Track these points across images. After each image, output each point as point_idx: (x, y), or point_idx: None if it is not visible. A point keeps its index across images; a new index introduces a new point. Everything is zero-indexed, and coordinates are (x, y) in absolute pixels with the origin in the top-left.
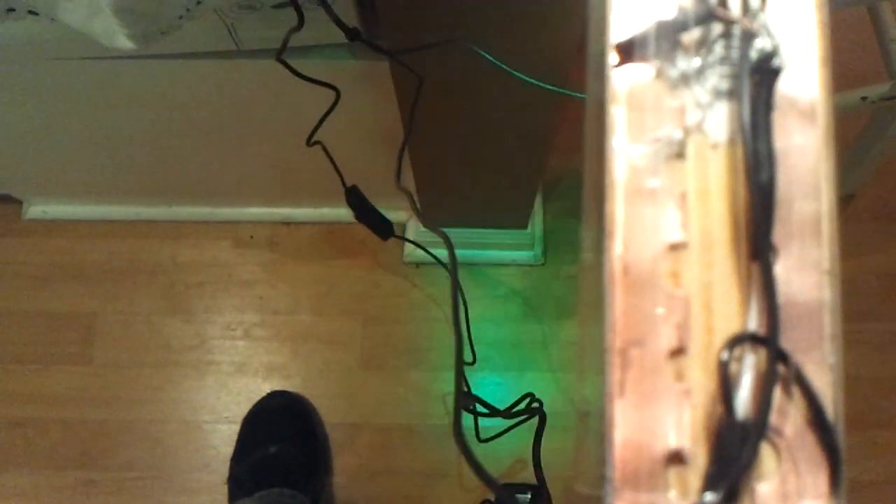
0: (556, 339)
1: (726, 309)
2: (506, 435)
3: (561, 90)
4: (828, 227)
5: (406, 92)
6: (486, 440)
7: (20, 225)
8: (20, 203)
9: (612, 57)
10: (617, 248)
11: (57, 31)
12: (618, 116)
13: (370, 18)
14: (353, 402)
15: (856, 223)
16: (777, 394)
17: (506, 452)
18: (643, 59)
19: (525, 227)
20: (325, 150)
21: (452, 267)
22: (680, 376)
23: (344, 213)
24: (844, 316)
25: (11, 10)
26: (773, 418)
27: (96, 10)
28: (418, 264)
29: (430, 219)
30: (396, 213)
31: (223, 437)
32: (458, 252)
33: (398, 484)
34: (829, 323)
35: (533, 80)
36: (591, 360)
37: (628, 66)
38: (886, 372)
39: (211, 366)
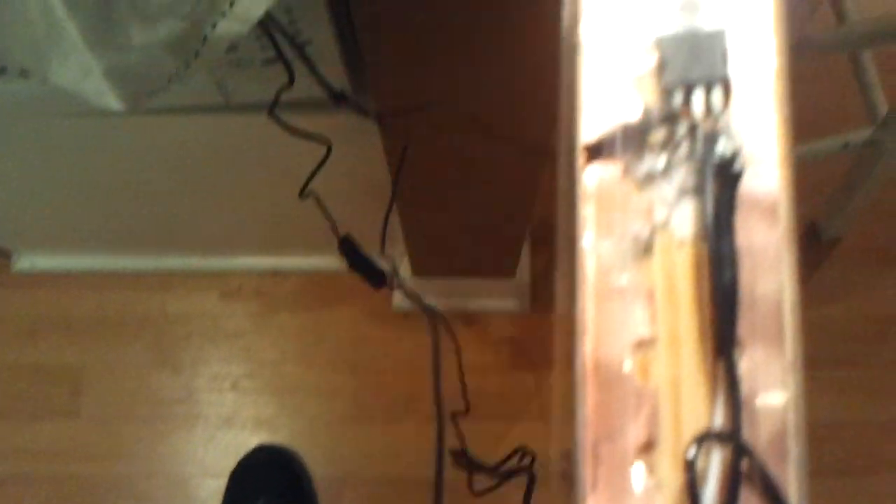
0: (547, 385)
1: (694, 404)
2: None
3: (543, 154)
4: (790, 321)
5: (393, 151)
6: (480, 493)
7: (8, 277)
8: (8, 255)
9: (582, 157)
10: (588, 345)
11: (47, 89)
12: (587, 215)
13: (359, 78)
14: (341, 455)
15: (842, 267)
16: (743, 489)
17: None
18: (611, 158)
19: (513, 275)
20: (318, 201)
21: (434, 337)
22: (650, 471)
23: (332, 262)
24: (833, 362)
25: (3, 70)
26: None
27: (87, 72)
28: (407, 313)
29: (420, 269)
30: (385, 261)
31: (210, 491)
32: (448, 300)
33: None
34: (792, 418)
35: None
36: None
37: (597, 165)
38: (879, 417)
39: (199, 419)
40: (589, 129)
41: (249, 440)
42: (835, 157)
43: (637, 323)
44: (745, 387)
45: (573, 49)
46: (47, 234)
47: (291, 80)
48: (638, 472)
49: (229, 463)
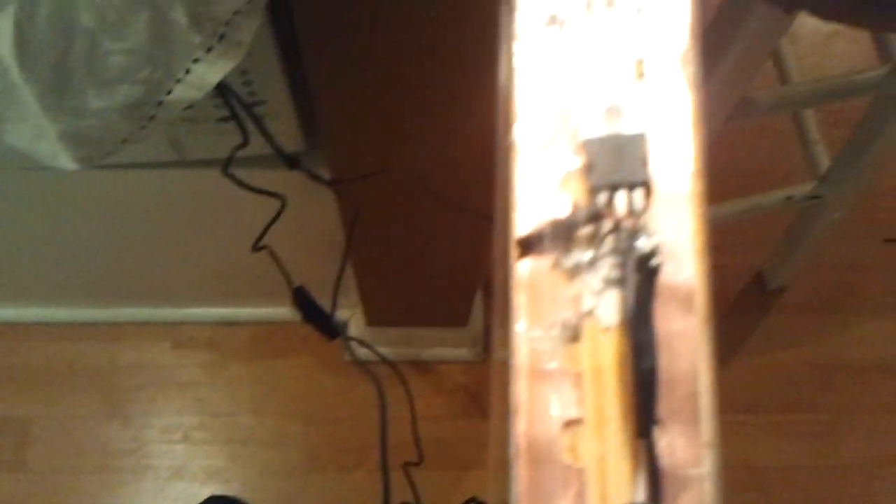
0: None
1: (618, 481)
2: None
3: (490, 219)
4: (707, 403)
5: (347, 210)
6: None
7: None
8: None
9: (515, 250)
10: (521, 426)
11: None
12: (520, 304)
13: (314, 138)
14: None
15: (788, 315)
16: None
17: None
18: (541, 252)
19: (466, 324)
20: (272, 254)
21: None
22: None
23: (285, 312)
24: (780, 407)
25: None
26: None
27: (41, 134)
28: (360, 363)
29: (374, 319)
30: (339, 311)
31: None
32: (402, 350)
33: None
34: (709, 492)
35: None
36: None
37: (529, 258)
38: (823, 461)
39: (148, 470)
40: (521, 224)
41: (200, 492)
42: (780, 209)
43: (566, 404)
44: (664, 464)
45: (507, 149)
46: None
47: (245, 141)
48: None
49: None
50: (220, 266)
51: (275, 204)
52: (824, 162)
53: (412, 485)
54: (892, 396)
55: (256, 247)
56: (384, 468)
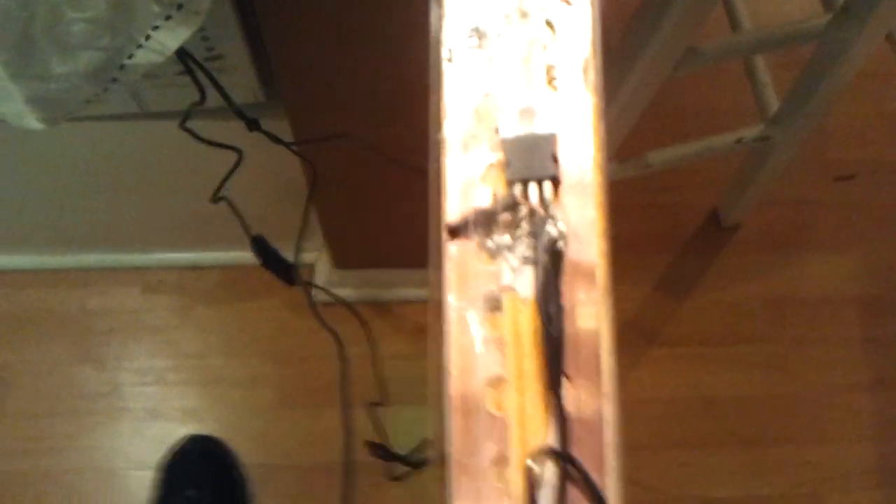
0: None
1: (535, 427)
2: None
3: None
4: (607, 361)
5: (307, 166)
6: (396, 478)
7: None
8: None
9: (445, 233)
10: (454, 384)
11: None
12: (450, 279)
13: (272, 93)
14: (269, 443)
15: (741, 252)
16: (571, 490)
17: (418, 486)
18: (468, 235)
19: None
20: (230, 205)
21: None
22: (502, 479)
23: (250, 256)
24: (734, 339)
25: None
26: None
27: (6, 96)
28: (326, 304)
29: (340, 261)
30: (304, 254)
31: (140, 483)
32: (365, 291)
33: None
34: (609, 434)
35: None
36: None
37: (458, 240)
38: (776, 391)
39: (124, 412)
40: (451, 211)
41: (177, 431)
42: (731, 150)
43: (491, 365)
44: (571, 413)
45: (438, 145)
46: None
47: (202, 98)
48: (493, 480)
49: (157, 455)
50: (183, 214)
51: (234, 155)
52: (774, 104)
53: (376, 423)
54: (842, 328)
55: (215, 198)
56: (344, 406)
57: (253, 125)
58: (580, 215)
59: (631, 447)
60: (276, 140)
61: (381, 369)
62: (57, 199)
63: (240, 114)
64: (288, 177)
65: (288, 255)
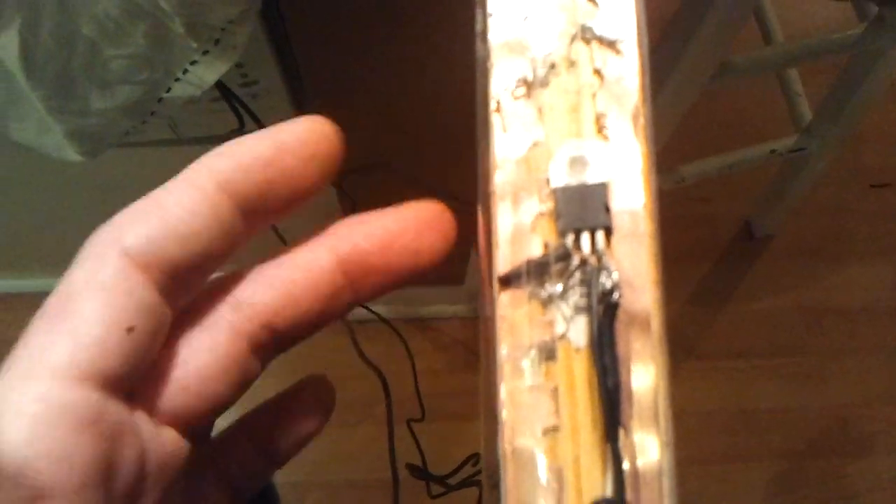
0: None
1: (591, 479)
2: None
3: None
4: (663, 408)
5: (344, 200)
6: (437, 496)
7: None
8: None
9: (497, 285)
10: (507, 433)
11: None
12: (503, 330)
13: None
14: (300, 460)
15: (775, 263)
16: None
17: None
18: (519, 286)
19: (462, 282)
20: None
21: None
22: None
23: None
24: (770, 351)
25: None
26: None
27: (46, 130)
28: (360, 321)
29: None
30: None
31: None
32: (401, 309)
33: None
34: (667, 485)
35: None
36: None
37: (509, 291)
38: (813, 403)
39: None
40: (502, 263)
41: None
42: (765, 162)
43: (545, 414)
44: (628, 463)
45: (488, 196)
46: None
47: (241, 124)
48: None
49: None
50: None
51: None
52: (807, 114)
53: (416, 440)
54: (879, 338)
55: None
56: (390, 423)
57: None
58: (633, 264)
59: None
60: None
61: (419, 386)
62: (91, 228)
63: None
64: (325, 205)
65: None
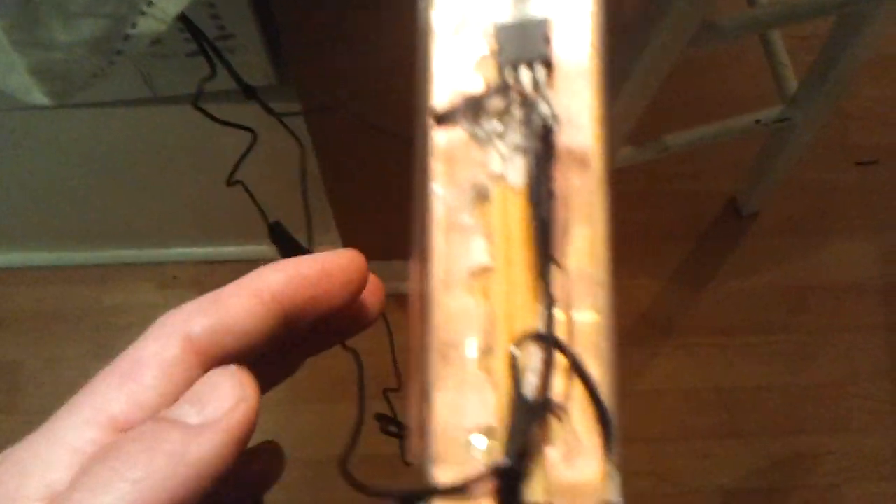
0: None
1: (523, 316)
2: None
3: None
4: (601, 247)
5: (319, 148)
6: (410, 463)
7: None
8: None
9: (432, 121)
10: (438, 271)
11: None
12: (437, 169)
13: (284, 70)
14: (282, 437)
15: (761, 240)
16: (561, 380)
17: None
18: (456, 122)
19: None
20: (246, 189)
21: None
22: (488, 371)
23: (267, 250)
24: (755, 329)
25: None
26: (559, 398)
27: (11, 68)
28: None
29: None
30: (320, 248)
31: None
32: (384, 283)
33: None
34: (603, 323)
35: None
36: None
37: (446, 127)
38: (798, 381)
39: None
40: (439, 98)
41: None
42: (752, 136)
43: (478, 254)
44: (561, 301)
45: (426, 32)
46: None
47: (213, 72)
48: (477, 372)
49: None
50: (200, 204)
51: (248, 138)
52: (793, 85)
53: (391, 407)
54: (865, 316)
55: (230, 181)
56: (360, 390)
57: (249, 93)
58: (575, 102)
59: (650, 439)
60: (269, 111)
61: (396, 358)
62: (72, 192)
63: (241, 83)
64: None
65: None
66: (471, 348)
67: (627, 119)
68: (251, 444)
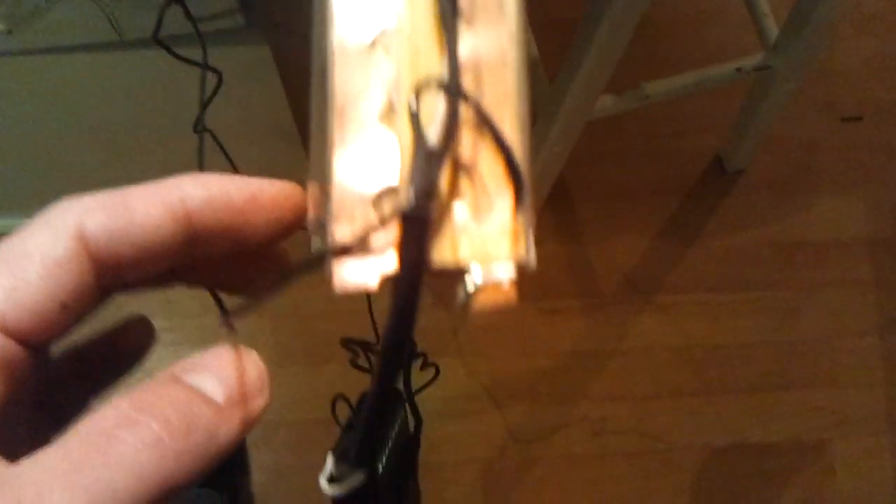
0: (464, 324)
1: (427, 69)
2: None
3: None
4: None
5: (292, 84)
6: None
7: None
8: None
9: None
10: (338, 30)
11: None
12: None
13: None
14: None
15: (746, 197)
16: (469, 134)
17: None
18: None
19: None
20: (214, 137)
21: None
22: (388, 124)
23: None
24: (741, 286)
25: None
26: (467, 154)
27: None
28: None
29: None
30: None
31: None
32: None
33: (315, 482)
34: (512, 74)
35: None
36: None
37: None
38: (784, 337)
39: None
40: None
41: None
42: (737, 93)
43: (380, 12)
44: (470, 53)
45: None
46: None
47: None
48: (378, 127)
49: None
50: (173, 163)
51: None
52: (774, 33)
53: (370, 362)
54: (851, 271)
55: (197, 127)
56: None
57: (217, 36)
58: None
59: (637, 397)
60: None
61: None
62: (32, 150)
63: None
64: (274, 117)
65: None
66: (372, 104)
67: (605, 64)
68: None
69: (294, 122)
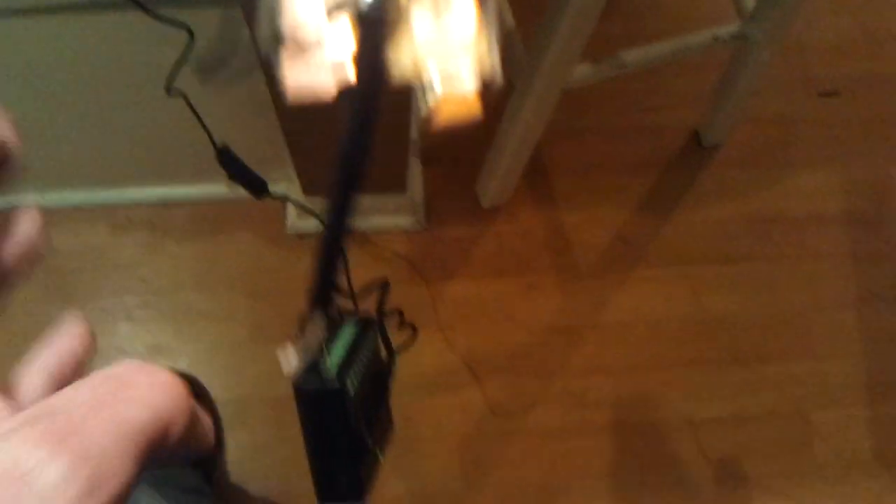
0: (443, 298)
1: None
2: None
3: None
4: None
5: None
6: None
7: None
8: None
9: None
10: None
11: None
12: None
13: None
14: (243, 377)
15: (724, 172)
16: None
17: None
18: None
19: (403, 190)
20: (186, 100)
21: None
22: None
23: (222, 188)
24: (720, 259)
25: None
26: None
27: None
28: (301, 235)
29: (310, 187)
30: (276, 184)
31: None
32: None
33: (293, 455)
34: None
35: None
36: None
37: None
38: (762, 310)
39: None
40: None
41: None
42: (714, 67)
43: None
44: None
45: None
46: None
47: None
48: None
49: None
50: (146, 134)
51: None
52: (751, 4)
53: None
54: (829, 245)
55: (169, 87)
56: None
57: None
58: None
59: (616, 370)
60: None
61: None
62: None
63: None
64: (248, 85)
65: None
66: None
67: (580, 29)
68: None
69: (267, 88)
